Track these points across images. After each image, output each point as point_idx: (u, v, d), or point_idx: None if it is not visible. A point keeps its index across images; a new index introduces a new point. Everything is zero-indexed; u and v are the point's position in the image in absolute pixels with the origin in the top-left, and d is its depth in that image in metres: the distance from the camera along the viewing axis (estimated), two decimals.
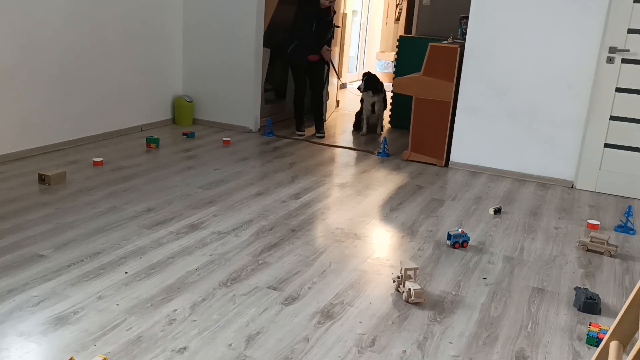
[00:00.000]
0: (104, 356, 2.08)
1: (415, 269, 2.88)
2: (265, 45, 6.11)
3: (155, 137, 5.36)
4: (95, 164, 4.62)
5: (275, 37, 6.56)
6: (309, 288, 2.88)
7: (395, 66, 6.80)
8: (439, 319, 2.68)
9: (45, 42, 4.68)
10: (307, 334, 2.47)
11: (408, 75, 5.41)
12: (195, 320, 2.52)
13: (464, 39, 5.19)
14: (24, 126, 4.63)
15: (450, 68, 5.11)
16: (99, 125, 5.35)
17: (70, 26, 4.87)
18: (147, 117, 5.95)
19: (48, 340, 2.31)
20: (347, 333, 2.51)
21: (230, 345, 2.35)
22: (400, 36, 6.97)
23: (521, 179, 5.05)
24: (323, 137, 6.12)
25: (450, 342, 2.50)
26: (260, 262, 3.14)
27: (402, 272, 2.86)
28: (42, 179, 4.10)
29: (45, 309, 2.53)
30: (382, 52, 11.14)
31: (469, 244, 3.53)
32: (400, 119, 6.74)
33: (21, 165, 4.45)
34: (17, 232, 3.28)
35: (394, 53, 7.01)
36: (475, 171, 5.19)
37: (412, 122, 5.33)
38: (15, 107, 4.52)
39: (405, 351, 2.41)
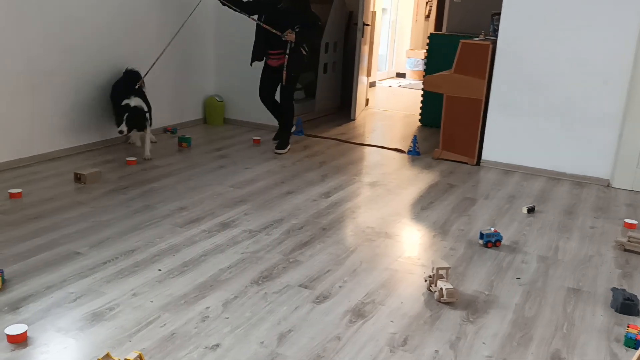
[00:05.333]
0: (139, 352, 2.11)
1: (447, 268, 2.86)
2: None
3: (187, 136, 5.42)
4: (129, 163, 4.69)
5: None
6: (340, 287, 2.88)
7: (425, 64, 6.75)
8: (471, 319, 2.65)
9: (81, 44, 4.77)
10: (338, 333, 2.47)
11: (439, 73, 5.36)
12: (227, 318, 2.54)
13: (496, 36, 5.12)
14: (60, 127, 4.74)
15: (482, 65, 5.05)
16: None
17: (105, 28, 4.96)
18: (179, 117, 6.02)
19: (85, 336, 2.36)
20: (379, 332, 2.50)
21: (262, 342, 2.37)
22: (431, 34, 6.92)
23: (555, 177, 4.96)
24: (281, 153, 5.29)
25: (483, 343, 2.47)
26: (291, 260, 3.15)
27: (434, 271, 2.84)
28: (78, 178, 4.19)
29: (82, 305, 2.59)
30: (412, 49, 11.06)
31: (502, 243, 3.48)
32: (430, 117, 6.69)
33: (58, 165, 4.56)
34: (55, 230, 3.36)
35: (424, 51, 6.96)
36: (507, 169, 5.12)
37: (443, 120, 5.28)
38: (52, 108, 4.63)
39: (437, 351, 2.39)
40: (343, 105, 7.41)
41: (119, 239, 3.30)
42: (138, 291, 2.73)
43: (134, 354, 2.09)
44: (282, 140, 5.39)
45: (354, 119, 6.98)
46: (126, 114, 4.57)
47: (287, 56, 5.06)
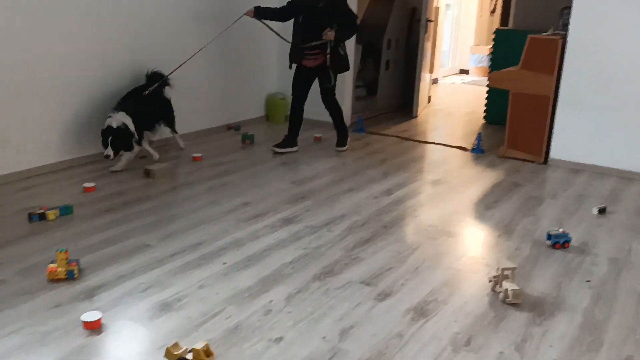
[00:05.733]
0: (206, 342, 2.18)
1: (513, 269, 2.79)
2: (357, 42, 6.12)
3: (250, 133, 5.52)
4: (195, 159, 4.83)
5: (368, 33, 6.57)
6: (402, 284, 2.86)
7: (490, 60, 6.59)
8: (538, 321, 2.58)
9: (152, 41, 4.94)
10: (400, 330, 2.46)
11: (505, 69, 5.23)
12: (290, 312, 2.58)
13: (566, 30, 4.94)
14: None
15: (551, 61, 4.89)
16: (197, 122, 5.58)
17: (178, 26, 5.11)
18: (242, 114, 6.14)
19: (154, 325, 2.46)
20: (442, 331, 2.47)
21: (324, 337, 2.39)
22: (497, 29, 6.76)
23: (627, 177, 4.74)
24: (343, 150, 5.32)
25: (550, 346, 2.40)
26: (353, 257, 3.16)
27: (499, 271, 2.78)
28: (147, 173, 4.35)
29: (151, 295, 2.69)
30: (477, 45, 10.83)
31: (570, 244, 3.37)
32: (495, 114, 6.53)
33: None
34: (125, 223, 3.50)
35: (489, 47, 6.80)
36: (576, 168, 4.94)
37: (509, 117, 5.15)
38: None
39: (502, 352, 2.34)
40: (405, 103, 7.35)
41: (185, 232, 3.41)
42: (204, 283, 2.82)
43: (201, 344, 2.15)
44: (342, 136, 5.38)
45: (416, 117, 6.91)
46: (110, 137, 4.19)
47: (328, 55, 4.88)
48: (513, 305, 2.69)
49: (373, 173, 4.69)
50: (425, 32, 6.64)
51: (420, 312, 2.61)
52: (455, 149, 5.54)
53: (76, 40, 4.37)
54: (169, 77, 4.79)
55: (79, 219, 3.53)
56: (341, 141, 5.36)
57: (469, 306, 2.68)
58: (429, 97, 7.71)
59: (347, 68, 5.15)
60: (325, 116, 6.12)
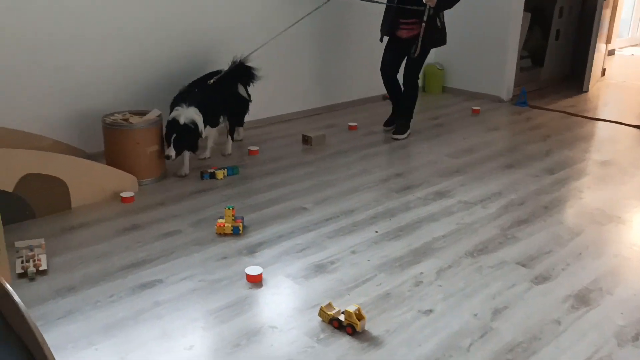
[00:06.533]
0: (358, 306, 2.25)
1: None
2: (525, 9, 5.76)
3: None
4: (351, 128, 4.92)
5: None
6: (562, 269, 2.71)
7: None
8: None
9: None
10: (558, 317, 2.34)
11: None
12: (440, 286, 2.57)
13: None
14: (291, 92, 5.14)
15: None
16: (352, 92, 5.66)
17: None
18: None
19: (309, 284, 2.59)
20: (605, 322, 2.31)
21: (475, 314, 2.35)
22: None
23: None
24: (400, 139, 4.67)
25: None
26: (508, 236, 3.04)
27: None
28: (305, 140, 4.52)
29: (307, 256, 2.83)
30: None
31: None
32: None
33: (288, 127, 4.96)
34: (284, 186, 3.69)
35: None
36: None
37: None
38: (284, 74, 5.03)
39: None
40: (573, 75, 6.81)
41: (340, 198, 3.51)
42: (356, 249, 2.89)
43: (353, 307, 2.23)
44: (402, 123, 4.73)
45: (586, 91, 6.37)
46: (173, 135, 3.61)
47: (424, 24, 4.31)
48: None
49: (534, 149, 4.44)
50: None
51: (582, 300, 2.46)
52: (630, 128, 5.04)
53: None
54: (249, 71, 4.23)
55: (244, 180, 3.79)
56: (402, 127, 4.71)
57: (638, 299, 2.47)
58: (603, 70, 7.05)
59: (443, 42, 4.57)
60: (484, 87, 5.90)
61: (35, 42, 3.60)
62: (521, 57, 6.20)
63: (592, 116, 5.41)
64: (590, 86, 6.41)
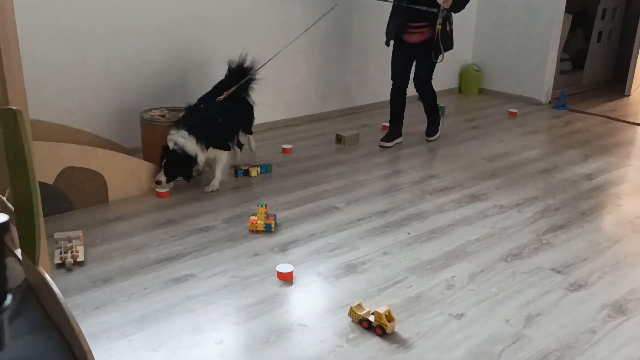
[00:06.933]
0: (389, 307, 2.24)
1: None
2: (567, 10, 5.64)
3: (441, 105, 5.42)
4: (384, 128, 4.89)
5: (580, 0, 6.01)
6: (599, 277, 2.65)
7: None
8: None
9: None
10: (594, 326, 2.29)
11: None
12: (473, 290, 2.54)
13: None
14: (326, 91, 5.14)
15: None
16: (387, 92, 5.62)
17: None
18: (434, 85, 6.03)
19: (340, 283, 2.59)
20: None
21: (508, 321, 2.32)
22: None
23: None
24: (434, 139, 4.61)
25: None
26: (544, 242, 2.99)
27: None
28: (339, 139, 4.52)
29: (338, 255, 2.83)
30: None
31: None
32: None
33: (323, 126, 4.97)
34: (317, 185, 3.70)
35: None
36: None
37: None
38: (321, 72, 5.04)
39: None
40: (616, 79, 6.64)
41: (372, 199, 3.50)
42: (388, 250, 2.88)
43: (384, 308, 2.22)
44: (434, 124, 4.64)
45: (628, 95, 6.21)
46: (164, 159, 3.39)
47: (439, 26, 4.05)
48: None
49: (573, 154, 4.35)
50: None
51: (619, 309, 2.40)
52: None
53: None
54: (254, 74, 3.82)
55: (277, 177, 3.81)
56: (433, 128, 4.64)
57: None
58: None
59: (451, 46, 4.29)
60: (522, 89, 5.81)
61: (80, 38, 3.69)
62: (561, 60, 6.07)
63: (633, 121, 5.27)
64: (632, 90, 6.24)
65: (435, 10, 4.01)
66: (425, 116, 4.69)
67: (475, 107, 5.75)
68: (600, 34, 6.36)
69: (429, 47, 4.18)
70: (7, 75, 2.13)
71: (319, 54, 4.97)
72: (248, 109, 3.91)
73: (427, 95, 4.54)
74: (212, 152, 3.54)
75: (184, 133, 3.38)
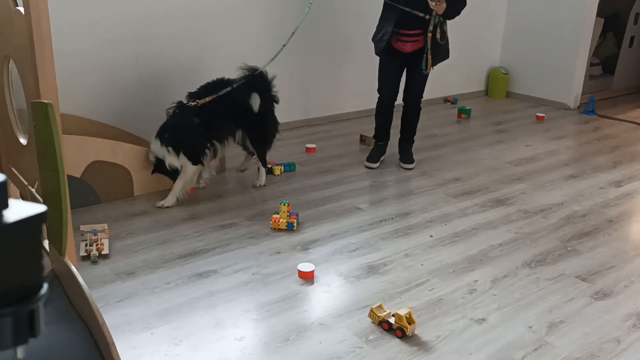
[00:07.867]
0: (409, 310, 2.23)
1: None
2: (598, 14, 5.55)
3: (467, 107, 5.39)
4: None
5: (613, 3, 5.90)
6: (625, 286, 2.60)
7: None
8: None
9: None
10: (619, 335, 2.25)
11: None
12: (495, 295, 2.51)
13: None
14: (352, 91, 5.14)
15: None
16: None
17: None
18: (460, 87, 6.00)
19: (361, 284, 2.58)
20: None
21: (530, 327, 2.29)
22: None
23: None
24: (411, 168, 4.04)
25: None
26: (569, 248, 2.95)
27: None
28: (363, 139, 4.51)
29: (360, 256, 2.82)
30: None
31: None
32: None
33: (348, 126, 4.97)
34: (340, 185, 3.69)
35: None
36: None
37: None
38: (347, 73, 5.04)
39: None
40: None
41: (395, 200, 3.49)
42: (410, 252, 2.87)
43: (405, 311, 2.21)
44: (410, 149, 4.13)
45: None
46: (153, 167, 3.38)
47: (429, 34, 3.65)
48: None
49: (601, 161, 4.28)
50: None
51: None
52: None
53: None
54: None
55: (300, 176, 3.82)
56: (410, 153, 4.11)
57: None
58: None
59: (447, 55, 3.89)
60: (550, 93, 5.73)
61: (110, 35, 3.74)
62: (591, 65, 5.98)
63: None
64: None
65: (427, 16, 3.62)
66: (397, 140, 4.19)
67: (502, 110, 5.69)
68: (632, 38, 6.24)
69: (420, 56, 3.78)
70: (39, 70, 2.17)
71: (344, 53, 4.96)
72: (255, 122, 3.45)
73: (416, 112, 4.08)
74: (182, 159, 3.31)
75: (156, 144, 3.29)
